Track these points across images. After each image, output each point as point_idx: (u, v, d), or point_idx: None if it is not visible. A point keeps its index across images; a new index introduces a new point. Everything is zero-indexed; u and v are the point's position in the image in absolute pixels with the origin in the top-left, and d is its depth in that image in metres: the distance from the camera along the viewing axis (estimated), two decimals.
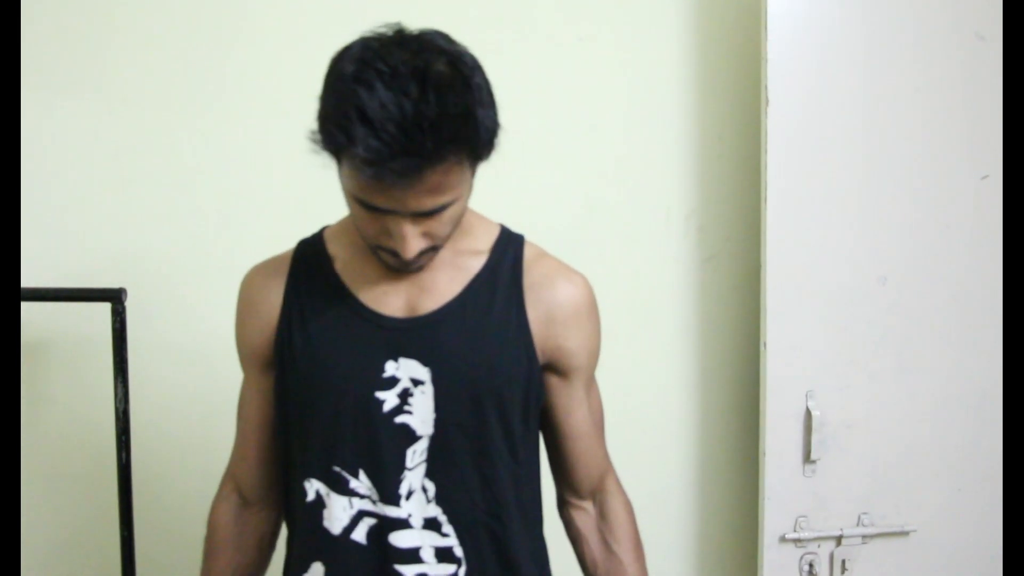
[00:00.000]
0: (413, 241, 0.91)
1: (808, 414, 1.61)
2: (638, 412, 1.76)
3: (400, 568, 0.98)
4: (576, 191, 1.73)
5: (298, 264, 1.04)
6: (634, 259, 1.76)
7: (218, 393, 1.57)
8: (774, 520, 1.62)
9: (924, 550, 1.67)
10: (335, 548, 0.99)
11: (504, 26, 1.68)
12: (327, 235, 1.07)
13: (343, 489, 0.99)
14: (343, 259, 1.03)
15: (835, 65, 1.59)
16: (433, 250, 0.95)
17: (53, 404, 1.61)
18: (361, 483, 0.98)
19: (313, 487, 1.00)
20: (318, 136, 0.88)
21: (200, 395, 1.62)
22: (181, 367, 1.62)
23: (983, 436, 1.67)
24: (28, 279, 1.50)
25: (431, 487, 0.98)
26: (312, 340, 0.99)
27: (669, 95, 1.75)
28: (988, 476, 1.67)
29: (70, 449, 1.61)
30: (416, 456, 0.98)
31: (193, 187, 1.61)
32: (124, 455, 1.39)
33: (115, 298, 1.38)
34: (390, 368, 0.97)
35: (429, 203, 0.88)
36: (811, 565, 1.65)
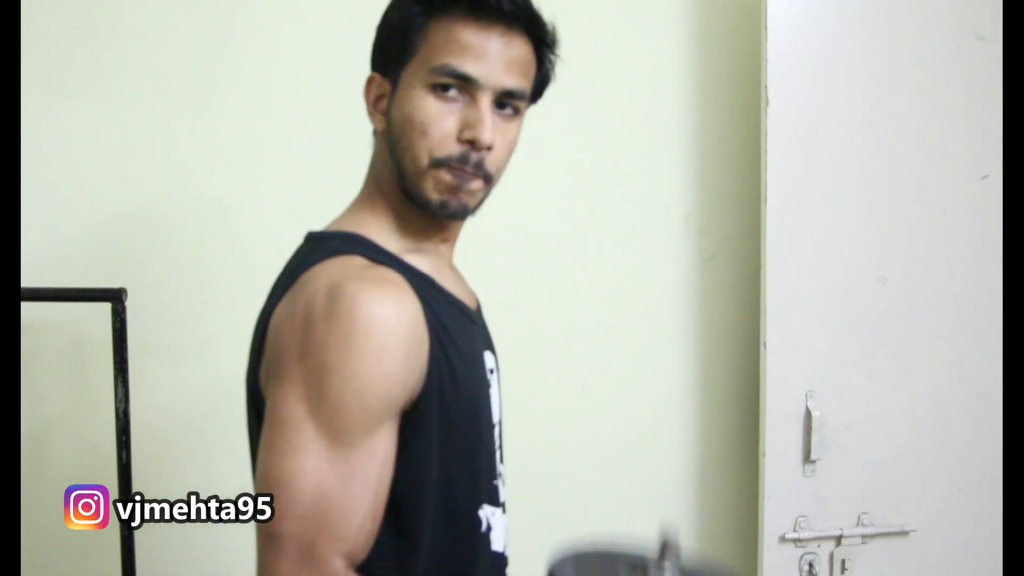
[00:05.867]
0: (491, 126, 0.86)
1: (808, 414, 1.61)
2: (638, 412, 1.76)
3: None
4: (576, 191, 1.73)
5: (405, 275, 0.86)
6: (634, 259, 1.76)
7: (218, 393, 1.56)
8: (774, 520, 1.62)
9: (924, 550, 1.68)
10: (498, 565, 0.94)
11: None
12: (372, 235, 0.90)
13: (499, 502, 0.93)
14: (410, 257, 0.90)
15: (835, 65, 1.59)
16: (487, 184, 0.89)
17: (53, 404, 1.61)
18: (504, 490, 0.95)
19: (485, 513, 0.90)
20: (390, 33, 0.89)
21: (200, 395, 1.62)
22: (181, 367, 1.61)
23: (983, 436, 1.67)
24: (28, 279, 1.49)
25: (503, 472, 0.97)
26: (462, 354, 0.87)
27: (669, 95, 1.75)
28: (988, 476, 1.67)
29: (70, 449, 1.61)
30: (498, 445, 0.96)
31: (193, 187, 1.61)
32: (124, 455, 1.39)
33: (115, 298, 1.37)
34: (489, 361, 0.94)
35: (513, 79, 0.87)
36: (811, 565, 1.65)
